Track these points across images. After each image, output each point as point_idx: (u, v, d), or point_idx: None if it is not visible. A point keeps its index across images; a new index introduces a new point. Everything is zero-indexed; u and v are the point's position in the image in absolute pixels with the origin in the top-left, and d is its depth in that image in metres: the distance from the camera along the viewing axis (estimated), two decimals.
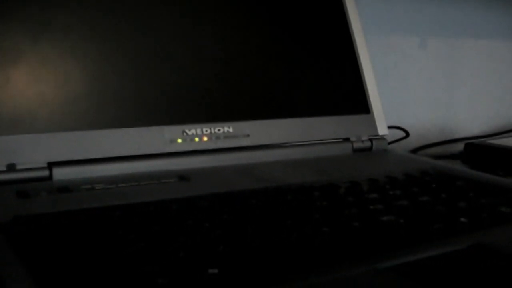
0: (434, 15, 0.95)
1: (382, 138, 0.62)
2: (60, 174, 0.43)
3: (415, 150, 0.83)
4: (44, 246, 0.32)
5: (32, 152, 0.43)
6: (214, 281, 0.29)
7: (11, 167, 0.42)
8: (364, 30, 0.64)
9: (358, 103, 0.62)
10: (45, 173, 0.43)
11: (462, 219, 0.40)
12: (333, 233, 0.36)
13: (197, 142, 0.49)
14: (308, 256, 0.33)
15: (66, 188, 0.41)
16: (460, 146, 0.83)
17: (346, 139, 0.60)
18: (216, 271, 0.30)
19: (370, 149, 0.61)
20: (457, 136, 0.93)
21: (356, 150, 0.60)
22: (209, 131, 0.50)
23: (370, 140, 0.61)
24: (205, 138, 0.50)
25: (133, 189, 0.43)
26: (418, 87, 0.96)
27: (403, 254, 0.34)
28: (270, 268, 0.31)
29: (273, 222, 0.37)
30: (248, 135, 0.52)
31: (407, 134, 0.76)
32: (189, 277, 0.29)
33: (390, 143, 0.66)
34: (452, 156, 0.81)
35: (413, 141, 0.82)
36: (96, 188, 0.42)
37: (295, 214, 0.39)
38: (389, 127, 0.64)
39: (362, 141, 0.61)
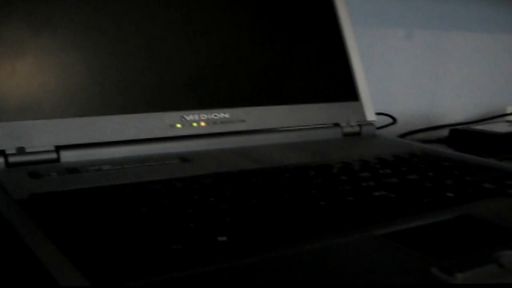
0: (420, 8, 0.98)
1: (370, 123, 0.65)
2: (67, 156, 0.46)
3: (402, 136, 0.85)
4: (62, 219, 0.34)
5: (41, 137, 0.45)
6: (223, 247, 0.31)
7: (20, 150, 0.44)
8: (352, 22, 0.67)
9: (347, 90, 0.64)
10: (53, 155, 0.46)
11: (449, 194, 0.43)
12: (329, 206, 0.39)
13: (195, 127, 0.52)
14: (308, 225, 0.35)
15: (74, 169, 0.44)
16: (445, 132, 0.86)
17: (336, 124, 0.63)
18: (225, 238, 0.32)
19: (359, 133, 0.64)
20: (442, 123, 0.96)
21: (346, 135, 0.63)
22: (206, 116, 0.52)
23: (359, 125, 0.64)
24: (202, 123, 0.52)
25: (138, 169, 0.45)
26: (405, 76, 0.99)
27: (395, 224, 0.36)
28: (273, 236, 0.33)
29: (274, 197, 0.40)
30: (243, 121, 0.55)
31: (394, 120, 0.79)
32: (201, 244, 0.31)
33: (378, 128, 0.69)
34: (437, 141, 0.84)
35: (400, 128, 0.85)
36: (103, 169, 0.44)
37: (293, 191, 0.42)
38: (377, 114, 0.67)
39: (352, 126, 0.63)
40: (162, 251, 0.30)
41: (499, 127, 0.84)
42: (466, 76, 1.08)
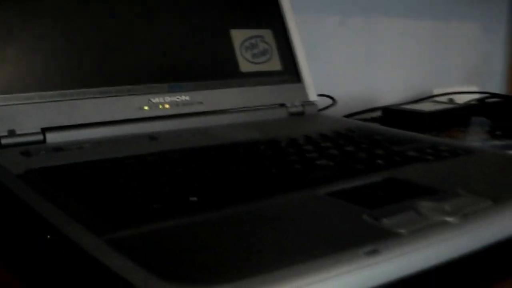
0: None
1: (313, 103, 0.73)
2: (52, 137, 0.52)
3: (345, 116, 0.94)
4: (58, 187, 0.41)
5: (28, 120, 0.51)
6: (194, 205, 0.39)
7: (11, 133, 0.50)
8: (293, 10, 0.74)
9: (291, 74, 0.72)
10: (40, 137, 0.52)
11: (379, 161, 0.51)
12: (280, 173, 0.46)
13: (160, 109, 0.59)
14: (262, 187, 0.43)
15: (60, 148, 0.50)
16: (379, 114, 0.95)
17: (282, 105, 0.70)
18: (195, 198, 0.40)
19: (302, 113, 0.72)
20: (377, 104, 1.05)
21: (291, 114, 0.71)
22: (169, 99, 0.59)
23: (302, 105, 0.72)
24: (166, 106, 0.59)
25: (114, 147, 0.52)
26: (342, 61, 1.07)
27: (335, 185, 0.44)
28: (234, 196, 0.41)
29: (232, 167, 0.47)
30: (202, 102, 0.62)
31: (334, 101, 0.87)
32: (176, 203, 0.39)
33: (319, 110, 0.77)
34: (372, 120, 0.93)
35: (338, 109, 0.93)
36: (84, 147, 0.51)
37: (248, 162, 0.49)
38: (318, 95, 0.75)
39: (296, 106, 0.71)
40: (146, 209, 0.37)
41: (426, 107, 0.94)
42: (398, 60, 1.17)
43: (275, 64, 0.70)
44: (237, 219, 0.37)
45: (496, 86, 1.40)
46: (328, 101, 0.88)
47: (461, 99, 1.05)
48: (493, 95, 1.07)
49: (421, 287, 0.35)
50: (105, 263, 0.31)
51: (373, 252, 0.32)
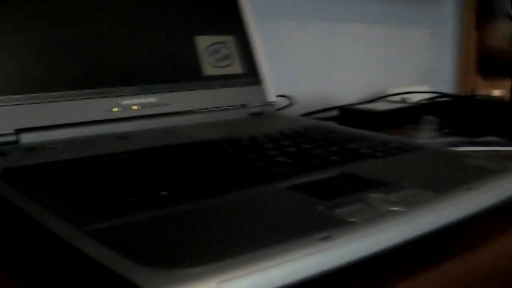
0: (312, 2, 1.11)
1: (272, 104, 0.77)
2: (25, 138, 0.55)
3: (302, 116, 0.98)
4: (35, 184, 0.44)
5: (2, 122, 0.54)
6: (164, 199, 0.42)
7: None
8: (255, 15, 0.78)
9: (252, 76, 0.76)
10: (14, 138, 0.55)
11: (333, 157, 0.55)
12: (242, 169, 0.50)
13: (130, 110, 0.62)
14: (226, 182, 0.47)
15: (34, 148, 0.53)
16: (337, 113, 1.00)
17: (243, 106, 0.74)
18: (165, 193, 0.43)
19: (262, 113, 0.76)
20: (334, 104, 1.09)
21: (251, 114, 0.75)
22: (138, 101, 0.63)
23: (262, 106, 0.76)
24: (135, 107, 0.62)
25: (87, 146, 0.55)
26: (302, 63, 1.12)
27: (293, 180, 0.48)
28: (200, 191, 0.44)
29: (198, 164, 0.51)
30: (168, 104, 0.65)
31: (292, 102, 0.91)
32: (148, 197, 0.42)
33: (279, 109, 0.81)
34: (329, 119, 0.97)
35: (298, 109, 0.98)
36: (57, 147, 0.54)
37: (212, 159, 0.53)
38: (278, 96, 0.79)
39: (256, 107, 0.75)
40: (121, 203, 0.41)
41: (380, 106, 0.99)
42: (354, 62, 1.23)
43: (237, 68, 0.74)
44: (204, 211, 0.41)
45: (446, 86, 1.47)
46: (288, 101, 0.92)
47: (413, 99, 1.11)
48: (443, 94, 1.13)
49: (370, 270, 0.40)
50: (86, 252, 0.34)
51: (327, 238, 0.36)
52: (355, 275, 0.39)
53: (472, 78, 1.50)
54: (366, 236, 0.39)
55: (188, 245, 0.34)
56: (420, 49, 1.40)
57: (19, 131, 0.55)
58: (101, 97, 0.60)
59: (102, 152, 0.53)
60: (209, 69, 0.71)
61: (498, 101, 1.21)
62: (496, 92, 1.45)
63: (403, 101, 1.10)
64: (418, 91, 1.15)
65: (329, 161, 0.54)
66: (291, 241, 0.35)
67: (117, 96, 0.61)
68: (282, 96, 0.89)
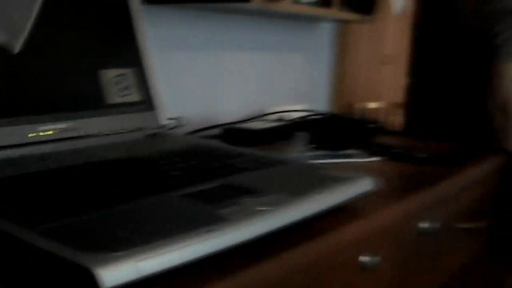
0: (204, 33, 1.25)
1: (164, 126, 0.90)
2: None
3: (191, 133, 1.10)
4: None
5: None
6: (84, 203, 0.55)
7: None
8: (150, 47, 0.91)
9: (147, 103, 0.89)
10: None
11: (216, 171, 0.70)
12: (141, 182, 0.63)
13: (46, 135, 0.73)
14: (130, 193, 0.59)
15: None
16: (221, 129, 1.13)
17: (141, 129, 0.87)
18: (90, 200, 0.56)
19: (156, 134, 0.89)
20: (221, 122, 1.20)
21: (147, 136, 0.88)
22: (52, 127, 0.74)
23: (157, 128, 0.89)
24: (50, 132, 0.74)
25: (11, 166, 0.66)
26: (194, 88, 1.24)
27: (185, 189, 0.61)
28: (112, 198, 0.57)
29: (107, 178, 0.64)
30: (78, 129, 0.77)
31: (181, 123, 1.04)
32: (79, 204, 0.55)
33: (171, 129, 0.94)
34: (215, 137, 1.10)
35: (189, 128, 1.09)
36: None
37: (117, 174, 0.66)
38: (169, 118, 0.93)
39: (151, 129, 0.88)
40: (55, 210, 0.53)
41: (258, 125, 1.14)
42: (239, 85, 1.37)
43: (135, 96, 0.87)
44: (124, 213, 0.54)
45: (320, 105, 1.64)
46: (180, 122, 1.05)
47: (290, 117, 1.26)
48: (315, 113, 1.29)
49: (242, 254, 0.54)
50: (39, 246, 0.46)
51: (211, 230, 0.50)
52: (234, 256, 0.53)
53: (348, 95, 1.70)
54: (240, 229, 0.53)
55: (116, 237, 0.47)
56: (298, 72, 1.57)
57: None
58: (22, 124, 0.71)
59: (27, 171, 0.64)
60: (112, 98, 0.83)
61: (358, 118, 1.39)
62: (373, 105, 1.65)
63: (280, 119, 1.24)
64: (292, 110, 1.31)
65: (213, 174, 0.68)
66: (186, 232, 0.49)
67: (35, 123, 0.73)
68: (173, 118, 1.02)
